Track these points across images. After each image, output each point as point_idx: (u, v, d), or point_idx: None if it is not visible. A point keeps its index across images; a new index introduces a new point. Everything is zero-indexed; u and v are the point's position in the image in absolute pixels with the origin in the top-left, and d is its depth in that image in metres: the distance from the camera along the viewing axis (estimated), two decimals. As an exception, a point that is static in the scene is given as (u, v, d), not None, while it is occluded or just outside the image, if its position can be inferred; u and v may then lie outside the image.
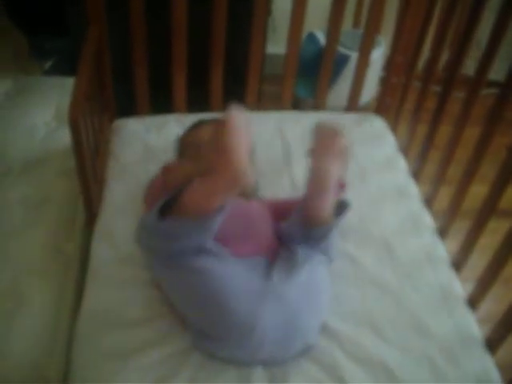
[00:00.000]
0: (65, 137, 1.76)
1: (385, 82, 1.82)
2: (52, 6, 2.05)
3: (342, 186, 1.35)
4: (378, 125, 1.81)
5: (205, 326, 1.17)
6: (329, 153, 1.25)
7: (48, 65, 2.18)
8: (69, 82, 1.94)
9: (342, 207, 1.32)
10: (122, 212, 1.43)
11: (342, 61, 2.23)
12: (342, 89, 2.05)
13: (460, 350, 1.26)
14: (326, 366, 1.19)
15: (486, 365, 1.24)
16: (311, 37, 2.32)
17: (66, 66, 2.17)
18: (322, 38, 2.30)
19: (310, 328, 1.19)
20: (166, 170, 1.31)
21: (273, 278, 1.17)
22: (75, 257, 1.51)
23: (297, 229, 1.29)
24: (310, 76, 1.91)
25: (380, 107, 1.85)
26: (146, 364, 1.16)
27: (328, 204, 1.26)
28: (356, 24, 2.50)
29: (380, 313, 1.31)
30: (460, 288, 1.40)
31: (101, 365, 1.17)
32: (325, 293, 1.25)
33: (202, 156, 1.19)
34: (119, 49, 1.64)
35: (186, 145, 1.46)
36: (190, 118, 1.67)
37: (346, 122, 1.75)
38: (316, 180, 1.26)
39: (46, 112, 1.86)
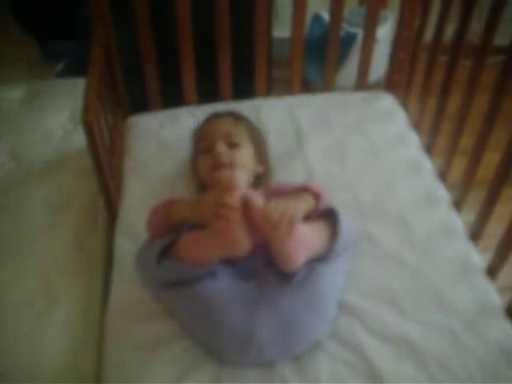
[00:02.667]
0: (81, 137, 1.78)
1: (392, 58, 1.81)
2: (60, 9, 2.09)
3: (319, 197, 1.29)
4: (388, 102, 1.81)
5: (205, 340, 1.20)
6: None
7: (59, 67, 2.21)
8: (81, 83, 1.99)
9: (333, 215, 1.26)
10: (142, 207, 1.45)
11: (350, 39, 2.22)
12: (351, 68, 2.05)
13: (481, 320, 1.26)
14: (349, 344, 1.21)
15: (509, 333, 1.25)
16: (317, 17, 2.32)
17: (76, 68, 2.20)
18: (327, 18, 2.28)
19: (313, 328, 1.17)
20: (170, 202, 1.31)
21: (268, 284, 1.18)
22: (100, 253, 1.55)
23: None
24: (319, 57, 1.91)
25: (389, 84, 1.85)
26: (173, 355, 1.20)
27: (316, 250, 1.21)
28: (362, 1, 2.48)
29: (399, 288, 1.32)
30: (478, 259, 1.40)
31: (130, 357, 1.21)
32: (330, 287, 1.22)
33: (200, 208, 1.19)
34: (128, 46, 1.66)
35: (199, 139, 1.47)
36: (202, 110, 1.69)
37: (355, 100, 1.76)
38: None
39: (61, 114, 1.90)
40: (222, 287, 1.17)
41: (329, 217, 1.26)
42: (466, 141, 1.55)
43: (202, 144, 1.43)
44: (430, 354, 1.20)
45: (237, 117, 1.50)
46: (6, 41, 2.01)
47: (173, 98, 1.79)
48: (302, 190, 1.32)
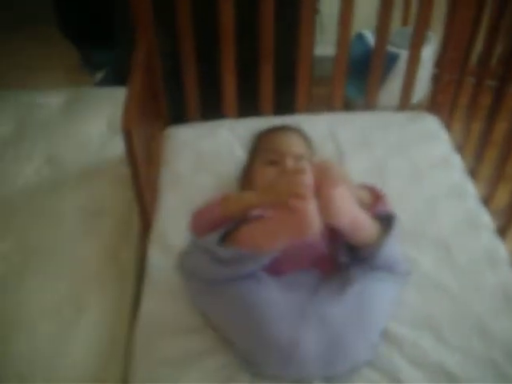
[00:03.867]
0: (118, 147, 1.81)
1: (437, 79, 1.78)
2: (102, 18, 2.10)
3: (379, 198, 1.29)
4: (431, 123, 1.77)
5: (246, 349, 1.16)
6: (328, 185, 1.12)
7: (99, 77, 2.23)
8: (120, 93, 1.99)
9: (389, 220, 1.23)
10: (177, 220, 1.44)
11: (392, 59, 2.20)
12: (392, 88, 2.03)
13: (525, 353, 1.21)
14: (386, 371, 1.17)
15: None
16: (360, 37, 2.31)
17: (115, 78, 2.22)
18: (370, 37, 2.28)
19: (358, 349, 1.15)
20: (226, 198, 1.27)
21: (318, 296, 1.16)
22: (131, 265, 1.54)
23: (344, 251, 1.24)
24: (360, 76, 1.89)
25: (433, 105, 1.81)
26: (203, 372, 1.17)
27: (362, 228, 1.18)
28: (405, 22, 2.46)
29: (440, 316, 1.28)
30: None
31: (159, 373, 1.19)
32: (379, 311, 1.19)
33: (273, 189, 1.15)
34: (167, 57, 1.66)
35: (265, 149, 1.44)
36: (242, 124, 1.67)
37: (397, 120, 1.72)
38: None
39: (99, 123, 1.90)
40: (270, 295, 1.14)
41: (384, 223, 1.22)
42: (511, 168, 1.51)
43: (268, 155, 1.40)
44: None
45: (303, 134, 1.49)
46: (49, 49, 2.03)
47: (211, 111, 1.78)
48: (366, 187, 1.31)
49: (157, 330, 1.26)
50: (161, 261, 1.39)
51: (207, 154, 1.63)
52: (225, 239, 1.16)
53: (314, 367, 1.11)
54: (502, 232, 1.49)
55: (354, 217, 1.14)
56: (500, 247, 1.44)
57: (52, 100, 1.99)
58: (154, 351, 1.22)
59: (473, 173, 1.64)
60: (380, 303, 1.19)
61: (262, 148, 1.45)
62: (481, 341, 1.23)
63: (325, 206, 1.08)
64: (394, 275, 1.23)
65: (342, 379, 1.15)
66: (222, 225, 1.20)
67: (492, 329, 1.25)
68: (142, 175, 1.39)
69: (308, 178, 1.08)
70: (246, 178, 1.47)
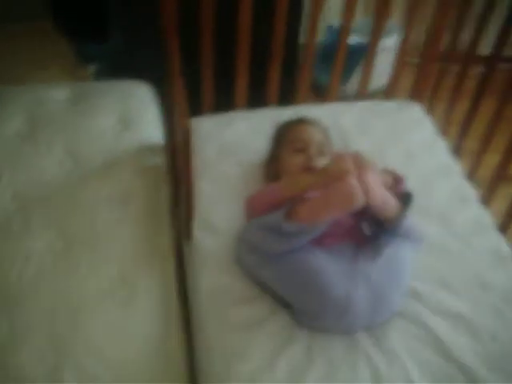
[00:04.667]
0: (131, 138, 1.95)
1: (419, 68, 2.02)
2: (93, 10, 2.17)
3: (398, 181, 1.54)
4: (416, 111, 2.03)
5: (305, 307, 1.39)
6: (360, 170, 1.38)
7: (92, 69, 2.31)
8: (124, 86, 2.11)
9: (407, 198, 1.49)
10: (215, 204, 1.64)
11: (361, 49, 2.43)
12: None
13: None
14: (413, 319, 1.44)
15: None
16: (331, 28, 2.53)
17: (108, 71, 2.30)
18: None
19: (395, 302, 1.41)
20: (286, 181, 1.51)
21: (359, 261, 1.40)
22: (167, 246, 1.69)
23: (367, 225, 1.49)
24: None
25: (415, 93, 2.07)
26: (267, 334, 1.38)
27: (389, 206, 1.42)
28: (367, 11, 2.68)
29: (449, 273, 1.55)
30: (507, 247, 1.66)
31: (229, 337, 1.39)
32: (406, 269, 1.44)
33: (325, 171, 1.41)
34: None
35: (291, 139, 1.65)
36: (256, 115, 1.86)
37: (389, 109, 1.98)
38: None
39: (109, 116, 2.00)
40: (324, 263, 1.37)
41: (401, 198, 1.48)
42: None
43: (294, 144, 1.62)
44: (482, 327, 1.44)
45: (321, 125, 1.72)
46: (46, 43, 2.09)
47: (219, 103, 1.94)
48: (388, 171, 1.57)
49: (221, 300, 1.45)
50: (207, 240, 1.57)
51: (229, 143, 1.81)
52: (285, 217, 1.38)
53: (363, 318, 1.37)
54: (486, 202, 1.79)
55: (383, 197, 1.41)
56: (485, 215, 1.74)
57: (59, 94, 2.05)
58: (224, 318, 1.41)
59: (457, 151, 1.93)
60: (406, 263, 1.46)
61: (287, 139, 1.67)
62: (482, 291, 1.52)
63: (363, 189, 1.33)
64: (411, 241, 1.50)
65: (382, 334, 1.40)
66: (280, 205, 1.43)
67: (489, 281, 1.55)
68: (189, 165, 1.55)
69: (350, 163, 1.35)
70: (273, 165, 1.68)
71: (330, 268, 1.37)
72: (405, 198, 1.47)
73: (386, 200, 1.41)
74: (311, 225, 1.35)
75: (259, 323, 1.40)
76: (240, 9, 1.70)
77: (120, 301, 1.52)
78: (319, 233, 1.38)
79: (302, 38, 2.13)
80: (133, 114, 2.02)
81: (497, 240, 1.67)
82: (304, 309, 1.40)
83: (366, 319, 1.38)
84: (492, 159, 1.88)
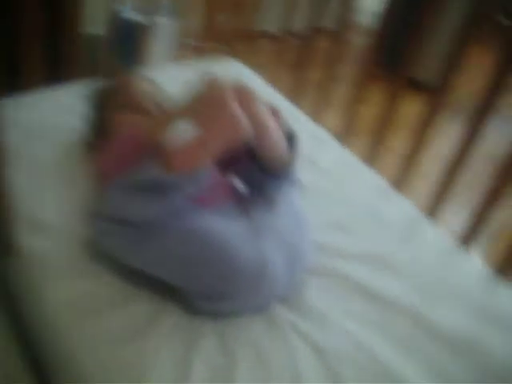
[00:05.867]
0: None
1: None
2: None
3: (275, 113, 1.26)
4: (238, 66, 1.89)
5: (206, 286, 1.05)
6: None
7: None
8: None
9: (290, 137, 1.25)
10: (38, 195, 1.25)
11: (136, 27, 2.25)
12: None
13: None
14: (329, 272, 1.22)
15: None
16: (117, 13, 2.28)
17: None
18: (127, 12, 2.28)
19: (307, 251, 1.18)
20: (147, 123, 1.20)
21: (257, 215, 1.13)
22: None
23: (257, 175, 1.22)
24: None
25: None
26: (160, 339, 1.01)
27: (280, 146, 1.19)
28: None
29: (338, 215, 1.38)
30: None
31: (104, 355, 0.99)
32: (305, 215, 1.22)
33: (198, 98, 1.10)
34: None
35: (121, 100, 1.32)
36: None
37: (212, 66, 1.74)
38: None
39: None
40: (220, 224, 1.07)
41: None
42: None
43: (130, 101, 1.31)
44: (395, 261, 1.29)
45: (148, 79, 1.45)
46: None
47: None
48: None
49: (82, 313, 1.04)
50: (40, 243, 1.14)
51: (37, 126, 1.42)
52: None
53: (280, 280, 1.08)
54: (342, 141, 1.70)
55: (277, 134, 1.16)
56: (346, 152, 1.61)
57: None
58: (95, 334, 1.01)
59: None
60: (302, 209, 1.22)
61: (117, 100, 1.33)
62: (403, 250, 1.34)
63: (253, 124, 1.08)
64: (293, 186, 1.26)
65: (296, 296, 1.15)
66: (141, 158, 1.10)
67: (382, 215, 1.41)
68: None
69: (229, 90, 1.08)
70: (105, 133, 1.29)
71: (230, 229, 1.06)
72: (288, 137, 1.22)
73: (278, 138, 1.16)
74: (193, 171, 1.04)
75: (144, 329, 1.02)
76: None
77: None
78: (204, 182, 1.07)
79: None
80: None
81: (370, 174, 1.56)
82: (204, 290, 1.05)
83: (283, 282, 1.09)
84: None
